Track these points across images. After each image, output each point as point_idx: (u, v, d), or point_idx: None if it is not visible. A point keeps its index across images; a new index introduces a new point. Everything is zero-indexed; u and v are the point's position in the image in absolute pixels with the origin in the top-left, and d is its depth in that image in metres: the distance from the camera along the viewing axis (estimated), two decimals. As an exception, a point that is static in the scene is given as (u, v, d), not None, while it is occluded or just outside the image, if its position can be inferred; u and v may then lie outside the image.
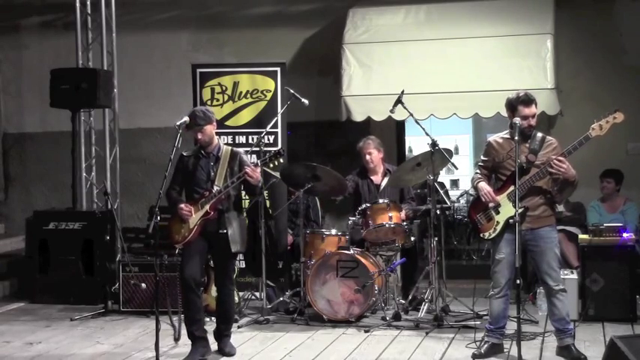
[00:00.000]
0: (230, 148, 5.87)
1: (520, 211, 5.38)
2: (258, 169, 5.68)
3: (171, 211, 5.81)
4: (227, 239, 5.68)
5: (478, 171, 5.86)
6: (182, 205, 5.67)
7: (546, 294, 5.75)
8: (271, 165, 5.81)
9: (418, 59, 7.99)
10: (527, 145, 5.58)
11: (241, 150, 5.95)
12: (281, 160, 5.75)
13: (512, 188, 5.53)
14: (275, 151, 5.76)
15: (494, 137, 5.81)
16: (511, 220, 5.40)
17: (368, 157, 7.52)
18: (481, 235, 5.77)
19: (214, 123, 5.79)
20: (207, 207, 5.64)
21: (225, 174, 5.70)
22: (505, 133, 5.76)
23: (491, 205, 5.65)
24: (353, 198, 7.61)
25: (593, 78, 8.49)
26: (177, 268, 6.38)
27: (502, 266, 5.62)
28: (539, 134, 5.66)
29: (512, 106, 5.60)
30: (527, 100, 5.57)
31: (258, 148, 6.92)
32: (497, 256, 5.64)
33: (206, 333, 5.83)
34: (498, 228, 5.63)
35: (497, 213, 5.64)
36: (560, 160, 5.38)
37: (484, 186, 5.71)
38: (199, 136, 5.69)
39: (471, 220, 5.87)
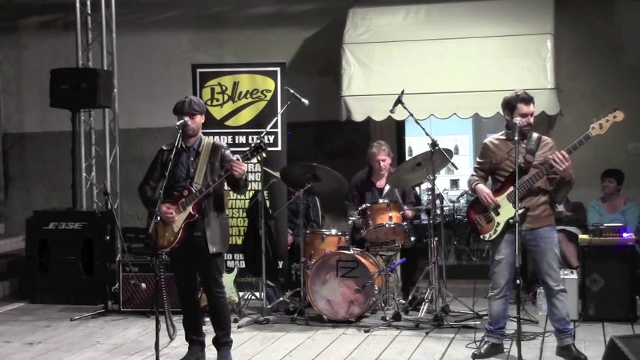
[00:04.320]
0: (212, 141, 5.62)
1: (521, 211, 5.38)
2: (243, 165, 5.35)
3: (149, 212, 5.52)
4: (205, 241, 5.43)
5: (474, 173, 5.84)
6: (164, 209, 5.39)
7: (546, 294, 5.75)
8: (254, 160, 5.60)
9: (418, 59, 7.99)
10: (524, 145, 5.57)
11: (224, 144, 5.70)
12: (264, 155, 5.51)
13: (511, 189, 5.53)
14: (256, 144, 5.41)
15: (490, 139, 5.81)
16: (511, 221, 5.39)
17: (382, 164, 7.52)
18: (481, 236, 5.75)
19: (204, 116, 5.62)
20: (189, 209, 5.40)
21: (205, 170, 5.46)
22: (501, 134, 5.76)
23: (491, 206, 5.64)
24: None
25: (593, 78, 8.49)
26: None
27: (501, 267, 5.61)
28: (535, 134, 5.66)
29: (511, 104, 5.59)
30: (527, 97, 5.57)
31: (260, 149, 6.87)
32: (497, 257, 5.63)
33: (204, 337, 5.76)
34: (499, 229, 5.62)
35: (497, 214, 5.63)
36: (563, 156, 5.36)
37: (483, 188, 5.70)
38: (189, 122, 5.47)
39: (470, 221, 5.85)
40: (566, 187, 5.62)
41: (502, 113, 5.78)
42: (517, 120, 5.46)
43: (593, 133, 5.39)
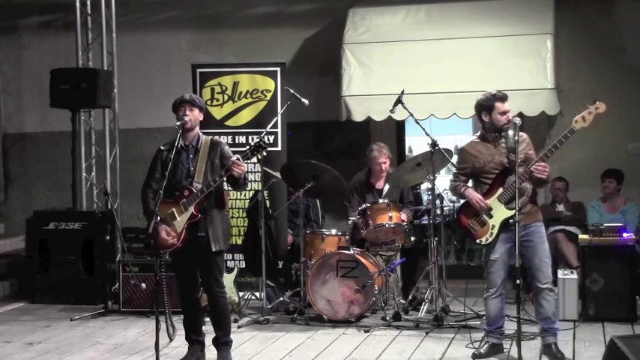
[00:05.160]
0: (210, 138, 5.61)
1: (512, 212, 5.38)
2: (243, 164, 5.35)
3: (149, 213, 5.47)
4: (207, 240, 5.44)
5: (454, 179, 5.80)
6: (164, 235, 5.39)
7: (535, 292, 5.72)
8: (254, 159, 5.58)
9: (418, 59, 7.99)
10: (503, 144, 5.57)
11: (222, 140, 5.72)
12: (264, 153, 5.48)
13: (501, 190, 5.54)
14: (256, 143, 5.40)
15: (468, 143, 5.78)
16: (511, 220, 5.39)
17: (383, 166, 7.52)
18: (477, 240, 5.70)
19: (202, 113, 5.62)
20: (191, 209, 5.40)
21: (205, 168, 5.46)
22: (476, 137, 5.75)
23: (483, 210, 5.62)
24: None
25: (593, 78, 8.48)
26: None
27: (497, 266, 5.60)
28: (510, 131, 5.61)
29: (488, 104, 5.58)
30: (503, 96, 5.60)
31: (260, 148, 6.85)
32: (492, 257, 5.62)
33: (204, 337, 5.76)
34: (495, 231, 5.59)
35: (490, 217, 5.60)
36: (543, 166, 5.37)
37: (473, 193, 5.67)
38: (187, 113, 5.46)
39: (462, 227, 5.78)
40: (545, 185, 5.65)
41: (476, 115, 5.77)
42: (517, 120, 5.45)
43: (577, 126, 5.35)
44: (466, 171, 5.76)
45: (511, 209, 5.41)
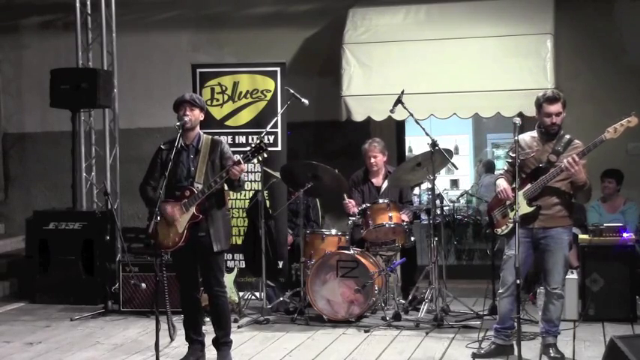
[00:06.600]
0: (210, 137, 5.62)
1: (530, 210, 5.44)
2: (242, 165, 5.35)
3: (150, 211, 5.49)
4: (209, 240, 5.46)
5: (505, 167, 5.87)
6: (169, 209, 5.39)
7: (545, 294, 5.74)
8: (255, 161, 5.57)
9: (418, 59, 7.99)
10: (552, 145, 5.57)
11: (223, 139, 5.73)
12: (265, 155, 5.48)
13: (528, 186, 5.54)
14: (256, 145, 5.39)
15: (524, 134, 5.76)
16: (511, 220, 5.39)
17: (373, 160, 7.53)
18: (495, 231, 5.79)
19: (203, 113, 5.63)
20: (192, 209, 5.41)
21: (205, 168, 5.47)
22: (533, 132, 5.74)
23: (507, 202, 5.64)
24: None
25: (593, 78, 8.49)
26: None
27: (510, 264, 5.57)
28: (567, 136, 5.61)
29: (538, 104, 5.59)
30: (552, 97, 5.55)
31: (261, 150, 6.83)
32: (507, 252, 5.63)
33: (204, 336, 5.76)
34: (510, 225, 5.61)
35: (512, 210, 5.62)
36: (573, 159, 5.36)
37: (501, 183, 5.71)
38: (187, 113, 5.46)
39: (488, 215, 5.90)
40: (580, 191, 5.61)
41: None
42: (516, 120, 5.45)
43: (608, 136, 5.38)
44: (513, 161, 5.73)
45: (531, 207, 5.46)
